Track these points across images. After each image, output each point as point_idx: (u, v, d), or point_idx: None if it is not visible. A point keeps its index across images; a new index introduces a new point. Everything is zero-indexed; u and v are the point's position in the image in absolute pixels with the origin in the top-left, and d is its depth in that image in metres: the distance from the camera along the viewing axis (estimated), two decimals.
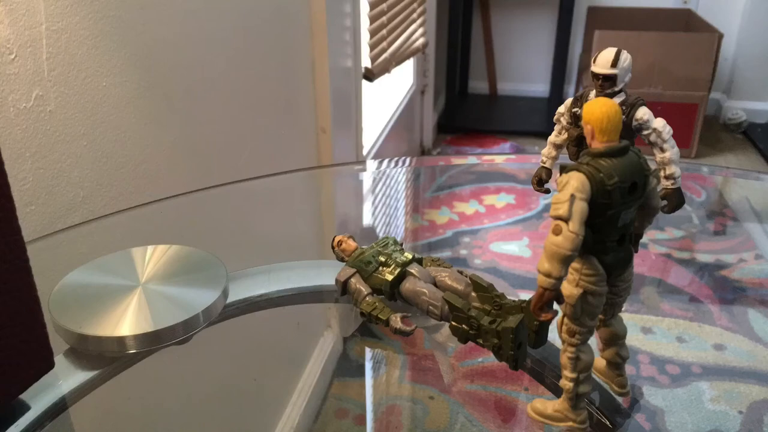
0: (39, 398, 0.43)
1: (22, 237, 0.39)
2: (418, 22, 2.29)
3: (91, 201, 0.70)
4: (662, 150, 0.47)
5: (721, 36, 2.48)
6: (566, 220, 0.33)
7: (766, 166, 2.65)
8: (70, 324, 0.46)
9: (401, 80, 2.38)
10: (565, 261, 0.34)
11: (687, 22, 2.87)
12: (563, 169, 0.35)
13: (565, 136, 0.50)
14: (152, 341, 0.46)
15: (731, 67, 3.04)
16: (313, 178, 0.95)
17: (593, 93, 0.48)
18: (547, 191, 0.51)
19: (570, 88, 3.14)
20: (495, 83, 3.29)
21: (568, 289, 0.37)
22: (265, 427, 0.49)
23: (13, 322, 0.38)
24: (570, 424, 0.40)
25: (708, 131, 2.85)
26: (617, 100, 0.46)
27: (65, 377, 0.45)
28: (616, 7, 3.00)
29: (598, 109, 0.35)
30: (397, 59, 1.95)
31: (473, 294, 0.46)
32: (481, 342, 0.43)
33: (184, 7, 0.86)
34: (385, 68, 1.83)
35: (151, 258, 0.54)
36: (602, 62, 0.46)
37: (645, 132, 0.47)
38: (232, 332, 0.53)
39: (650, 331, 0.58)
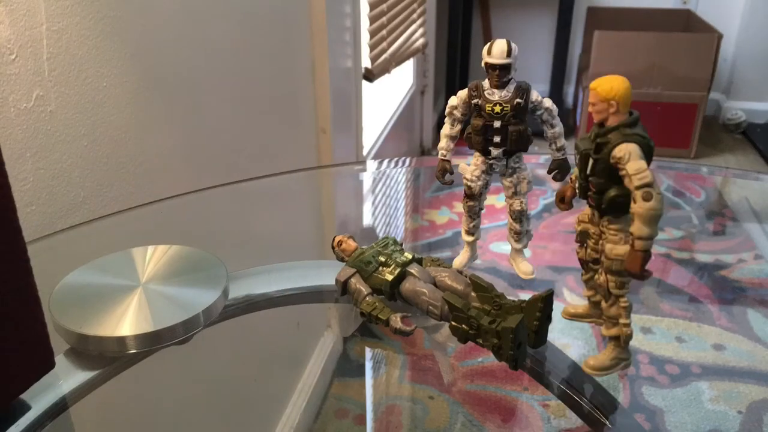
0: (39, 398, 0.43)
1: (23, 237, 0.39)
2: (418, 22, 2.29)
3: (92, 201, 0.70)
4: (552, 126, 0.52)
5: (720, 36, 2.48)
6: (651, 185, 0.37)
7: (766, 166, 2.65)
8: (70, 324, 0.46)
9: (401, 80, 2.38)
10: (659, 220, 0.37)
11: (686, 22, 2.87)
12: (601, 145, 0.39)
13: (458, 128, 0.53)
14: (152, 341, 0.46)
15: (730, 68, 3.04)
16: (313, 179, 0.95)
17: (487, 83, 0.51)
18: (452, 182, 0.54)
19: (570, 88, 3.14)
20: None
21: (623, 248, 0.40)
22: (266, 426, 0.49)
23: (13, 322, 0.38)
24: (624, 363, 0.44)
25: (707, 131, 2.85)
26: (511, 86, 0.50)
27: (66, 377, 0.45)
28: (616, 8, 3.00)
29: (619, 85, 0.39)
30: (397, 59, 1.95)
31: (473, 294, 0.46)
32: (480, 342, 0.43)
33: (185, 7, 0.86)
34: (385, 68, 1.83)
35: (152, 258, 0.54)
36: (498, 53, 0.50)
37: (538, 112, 0.51)
38: (232, 332, 0.53)
39: (650, 331, 0.59)
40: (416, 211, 0.88)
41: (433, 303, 0.46)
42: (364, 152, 1.78)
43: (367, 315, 0.48)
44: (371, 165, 1.17)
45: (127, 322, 0.46)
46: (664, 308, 0.63)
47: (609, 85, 0.39)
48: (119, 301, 0.48)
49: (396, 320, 0.46)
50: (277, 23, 1.19)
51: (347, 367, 0.57)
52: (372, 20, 1.70)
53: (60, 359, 0.45)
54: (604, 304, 0.43)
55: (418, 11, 2.27)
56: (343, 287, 0.50)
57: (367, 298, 0.48)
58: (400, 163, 1.00)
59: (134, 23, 0.75)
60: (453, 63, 3.00)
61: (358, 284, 0.49)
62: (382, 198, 0.89)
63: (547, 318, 0.45)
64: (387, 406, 0.51)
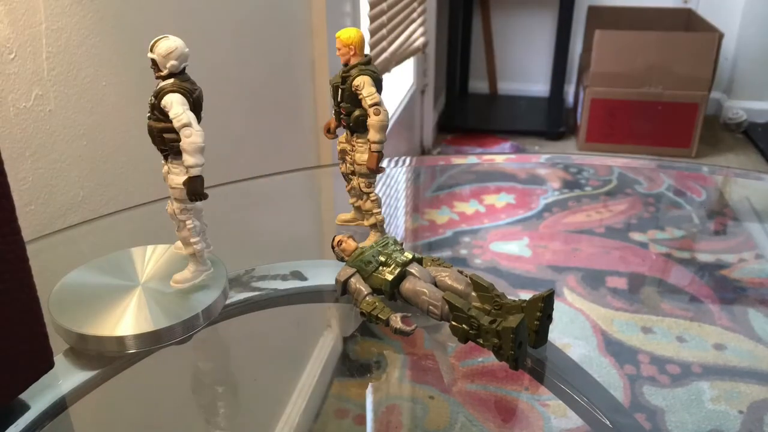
0: (39, 398, 0.43)
1: (22, 237, 0.39)
2: (418, 21, 2.29)
3: (91, 200, 0.70)
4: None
5: (721, 35, 2.48)
6: (380, 103, 0.52)
7: (767, 165, 2.65)
8: (69, 324, 0.46)
9: (401, 80, 2.38)
10: (386, 129, 0.53)
11: (687, 21, 2.87)
12: (345, 78, 0.52)
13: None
14: (152, 341, 0.46)
15: (731, 67, 3.03)
16: (313, 178, 0.95)
17: None
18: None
19: (570, 88, 3.14)
20: (495, 83, 3.29)
21: (366, 154, 0.54)
22: (265, 426, 0.49)
23: (12, 322, 0.38)
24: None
25: (708, 131, 2.85)
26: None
27: (65, 377, 0.45)
28: (617, 7, 2.99)
29: (356, 33, 0.52)
30: (397, 59, 1.94)
31: (473, 294, 0.46)
32: (481, 342, 0.43)
33: (184, 6, 0.86)
34: (385, 68, 1.83)
35: (151, 258, 0.54)
36: None
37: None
38: (232, 332, 0.53)
39: (650, 330, 0.58)
40: (416, 211, 0.88)
41: (433, 303, 0.46)
42: None
43: (367, 315, 0.48)
44: None
45: (126, 321, 0.46)
46: (665, 308, 0.63)
47: (348, 33, 0.52)
48: (118, 300, 0.48)
49: (396, 320, 0.46)
50: (278, 22, 1.19)
51: (347, 367, 0.57)
52: (372, 19, 1.70)
53: (59, 359, 0.45)
54: (360, 203, 0.57)
55: (418, 10, 2.27)
56: (343, 287, 0.50)
57: (367, 298, 0.48)
58: (400, 163, 1.00)
59: (133, 22, 0.75)
60: (453, 62, 3.00)
61: (358, 284, 0.49)
62: (382, 197, 0.89)
63: (547, 318, 0.45)
64: (387, 406, 0.51)
